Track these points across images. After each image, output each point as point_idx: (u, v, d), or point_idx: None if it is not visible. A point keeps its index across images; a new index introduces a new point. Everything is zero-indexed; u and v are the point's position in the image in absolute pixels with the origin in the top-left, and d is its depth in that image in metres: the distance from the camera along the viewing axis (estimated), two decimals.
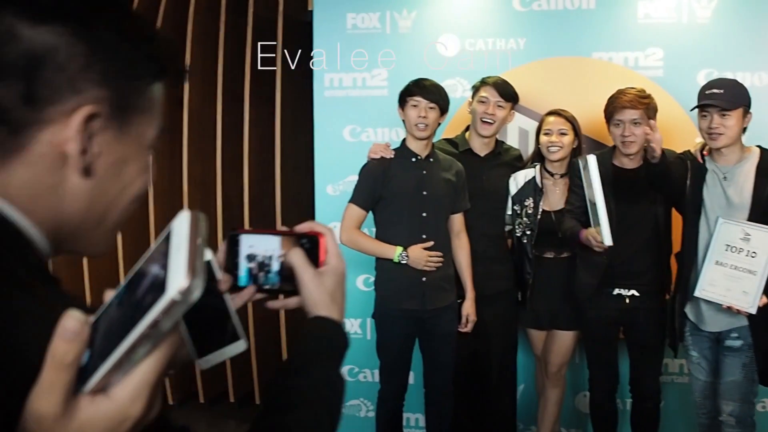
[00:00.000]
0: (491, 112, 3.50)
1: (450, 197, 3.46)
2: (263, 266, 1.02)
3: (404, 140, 3.51)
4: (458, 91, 3.91)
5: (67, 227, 0.78)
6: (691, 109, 3.13)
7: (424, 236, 3.39)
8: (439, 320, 3.43)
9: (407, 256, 3.33)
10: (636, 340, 3.45)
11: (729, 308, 3.03)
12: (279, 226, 1.28)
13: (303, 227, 1.03)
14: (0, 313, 0.64)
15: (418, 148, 3.43)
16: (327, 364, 0.97)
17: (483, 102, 3.51)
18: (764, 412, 3.79)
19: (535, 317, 3.61)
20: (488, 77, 3.55)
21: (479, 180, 3.60)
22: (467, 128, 3.70)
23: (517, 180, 3.59)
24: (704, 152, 3.18)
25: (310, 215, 4.12)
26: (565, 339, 3.59)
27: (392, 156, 3.43)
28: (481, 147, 3.63)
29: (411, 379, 3.75)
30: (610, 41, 3.89)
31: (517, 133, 3.98)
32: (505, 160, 3.70)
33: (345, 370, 3.87)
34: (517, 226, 3.58)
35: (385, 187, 3.39)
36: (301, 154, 4.36)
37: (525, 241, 3.55)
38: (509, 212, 3.63)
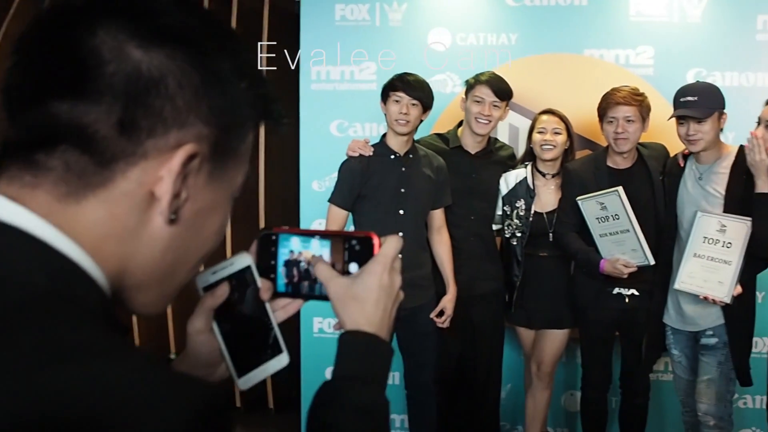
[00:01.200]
0: (487, 113, 3.41)
1: (430, 194, 3.40)
2: (308, 273, 0.91)
3: (384, 136, 3.43)
4: (449, 86, 3.85)
5: (131, 279, 0.68)
6: (668, 119, 3.16)
7: (401, 234, 3.29)
8: (417, 318, 3.37)
9: None
10: (633, 338, 3.45)
11: (705, 299, 3.06)
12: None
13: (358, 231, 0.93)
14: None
15: (398, 144, 3.36)
16: (360, 390, 0.85)
17: (478, 102, 3.42)
18: (745, 409, 3.82)
19: (527, 316, 3.58)
20: (482, 74, 3.47)
21: (469, 178, 3.54)
22: (460, 123, 3.62)
23: (508, 180, 3.53)
24: (685, 152, 3.22)
25: (295, 212, 4.03)
26: (557, 338, 3.56)
27: (371, 153, 3.36)
28: (473, 145, 3.56)
29: (394, 380, 3.69)
30: (601, 38, 3.86)
31: (508, 129, 3.93)
32: (497, 158, 3.64)
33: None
34: (506, 228, 3.53)
35: (364, 185, 3.32)
36: (286, 149, 4.25)
37: (514, 243, 3.50)
38: (499, 212, 3.58)
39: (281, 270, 0.92)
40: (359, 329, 0.86)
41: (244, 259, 0.91)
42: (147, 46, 0.63)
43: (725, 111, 3.09)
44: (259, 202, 4.27)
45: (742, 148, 3.15)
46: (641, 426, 3.57)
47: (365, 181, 3.31)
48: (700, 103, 3.04)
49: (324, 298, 0.90)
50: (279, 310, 0.94)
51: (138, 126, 0.62)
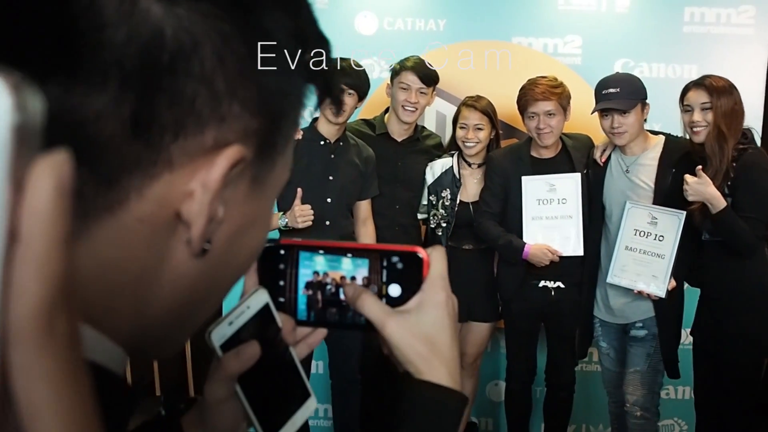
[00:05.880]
0: (414, 100, 3.33)
1: (357, 183, 3.33)
2: (333, 297, 0.72)
3: (314, 120, 3.33)
4: (375, 71, 3.76)
5: (147, 331, 0.48)
6: (591, 113, 3.11)
7: (327, 222, 3.26)
8: None
9: (286, 218, 3.13)
10: (558, 330, 3.42)
11: (640, 293, 3.04)
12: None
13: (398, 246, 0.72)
14: None
15: (329, 132, 3.27)
16: None
17: (404, 89, 3.34)
18: (668, 399, 3.84)
19: None
20: (407, 60, 3.38)
21: (394, 166, 3.47)
22: (387, 110, 3.55)
23: (434, 169, 3.46)
24: (602, 158, 3.21)
25: None
26: (482, 330, 3.53)
27: (300, 137, 3.26)
28: (399, 132, 3.49)
29: (318, 369, 3.64)
30: (530, 26, 3.82)
31: (435, 117, 3.87)
32: (424, 146, 3.57)
33: None
34: (431, 218, 3.47)
35: (291, 170, 3.20)
36: None
37: (440, 233, 3.44)
38: (424, 202, 3.52)
39: (300, 293, 0.73)
40: (440, 383, 0.65)
41: (261, 297, 0.72)
42: (170, 3, 0.40)
43: (648, 102, 3.07)
44: None
45: (668, 138, 3.14)
46: (566, 417, 3.57)
47: (292, 165, 3.20)
48: (623, 94, 3.01)
49: (360, 328, 0.72)
50: (299, 344, 0.75)
51: (160, 123, 0.41)
